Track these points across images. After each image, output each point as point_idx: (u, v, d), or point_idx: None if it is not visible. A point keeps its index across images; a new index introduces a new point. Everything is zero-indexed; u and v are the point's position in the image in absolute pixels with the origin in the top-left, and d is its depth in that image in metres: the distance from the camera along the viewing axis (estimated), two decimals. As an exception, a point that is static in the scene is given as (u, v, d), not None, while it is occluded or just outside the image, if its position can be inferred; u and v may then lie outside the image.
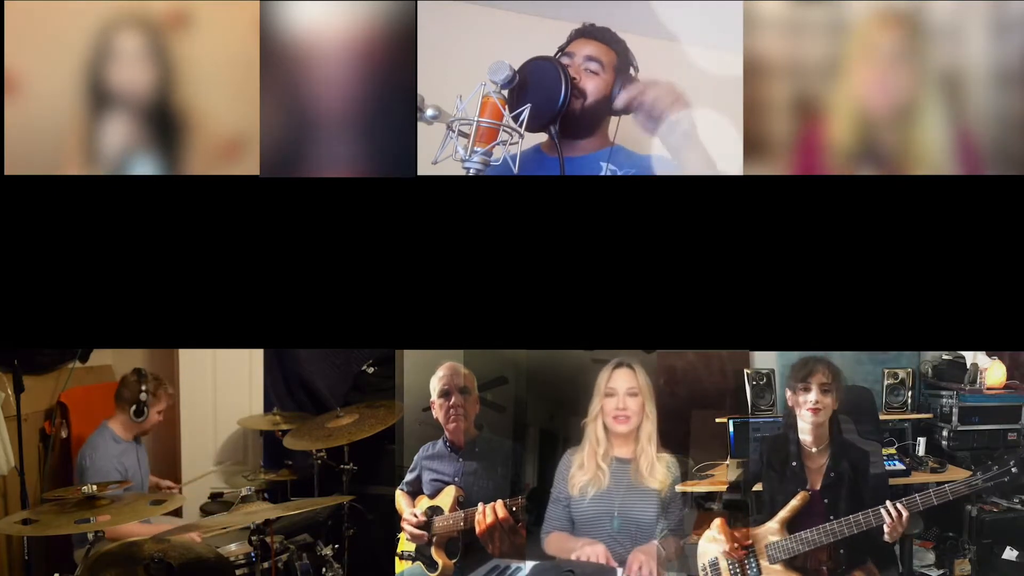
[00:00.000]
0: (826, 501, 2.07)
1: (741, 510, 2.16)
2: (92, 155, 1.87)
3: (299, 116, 1.87)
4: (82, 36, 1.85)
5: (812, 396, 2.09)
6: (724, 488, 2.21)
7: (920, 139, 1.84)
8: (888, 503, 2.00)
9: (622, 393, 2.20)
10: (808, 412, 2.09)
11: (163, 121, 1.87)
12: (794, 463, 2.11)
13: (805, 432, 2.11)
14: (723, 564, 2.10)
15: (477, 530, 2.17)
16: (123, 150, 1.87)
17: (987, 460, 2.10)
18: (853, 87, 1.84)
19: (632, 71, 1.88)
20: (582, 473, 2.20)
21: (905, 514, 1.99)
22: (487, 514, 2.16)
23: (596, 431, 2.20)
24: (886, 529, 1.99)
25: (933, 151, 1.84)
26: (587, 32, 1.89)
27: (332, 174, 1.87)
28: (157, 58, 1.85)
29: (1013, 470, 2.03)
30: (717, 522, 2.11)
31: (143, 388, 2.88)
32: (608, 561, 2.13)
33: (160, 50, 1.85)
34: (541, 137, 1.87)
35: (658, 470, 2.17)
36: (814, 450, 2.10)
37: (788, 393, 2.14)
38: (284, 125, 1.87)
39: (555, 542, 2.21)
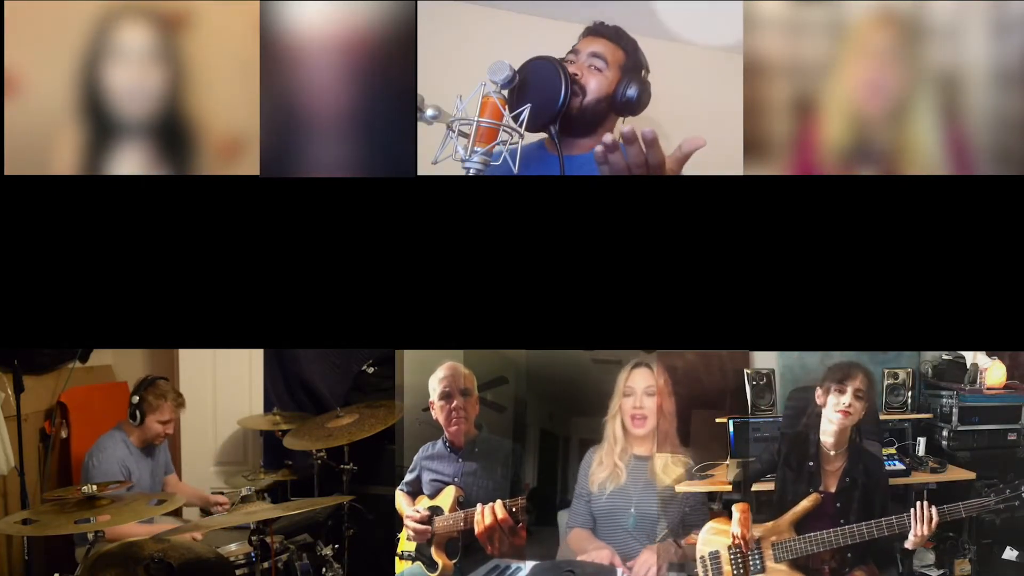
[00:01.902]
0: (838, 505, 2.07)
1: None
2: (92, 154, 1.87)
3: (299, 116, 1.87)
4: (82, 35, 1.85)
5: (846, 399, 2.08)
6: (723, 488, 2.21)
7: (915, 138, 1.84)
8: (920, 503, 2.01)
9: (640, 392, 2.21)
10: (838, 414, 2.08)
11: (163, 121, 1.87)
12: (811, 463, 2.11)
13: (828, 434, 2.11)
14: (724, 558, 2.10)
15: (476, 530, 2.18)
16: (123, 149, 1.87)
17: (999, 483, 2.11)
18: (849, 86, 1.84)
19: (643, 72, 1.87)
20: (601, 469, 2.22)
21: (936, 518, 2.00)
22: (486, 515, 2.17)
23: (614, 429, 2.22)
24: (913, 536, 2.00)
25: (928, 150, 1.84)
26: (597, 30, 1.88)
27: (332, 174, 1.87)
28: (157, 57, 1.85)
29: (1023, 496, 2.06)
30: (738, 509, 2.10)
31: (137, 394, 2.87)
32: (612, 562, 2.14)
33: (161, 49, 1.85)
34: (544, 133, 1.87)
35: (675, 470, 2.18)
36: (832, 452, 2.10)
37: (818, 391, 2.13)
38: (284, 125, 1.87)
39: (575, 539, 2.23)
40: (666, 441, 2.21)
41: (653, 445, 2.21)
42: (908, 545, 2.02)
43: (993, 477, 2.24)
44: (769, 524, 2.10)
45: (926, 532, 2.01)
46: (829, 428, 2.11)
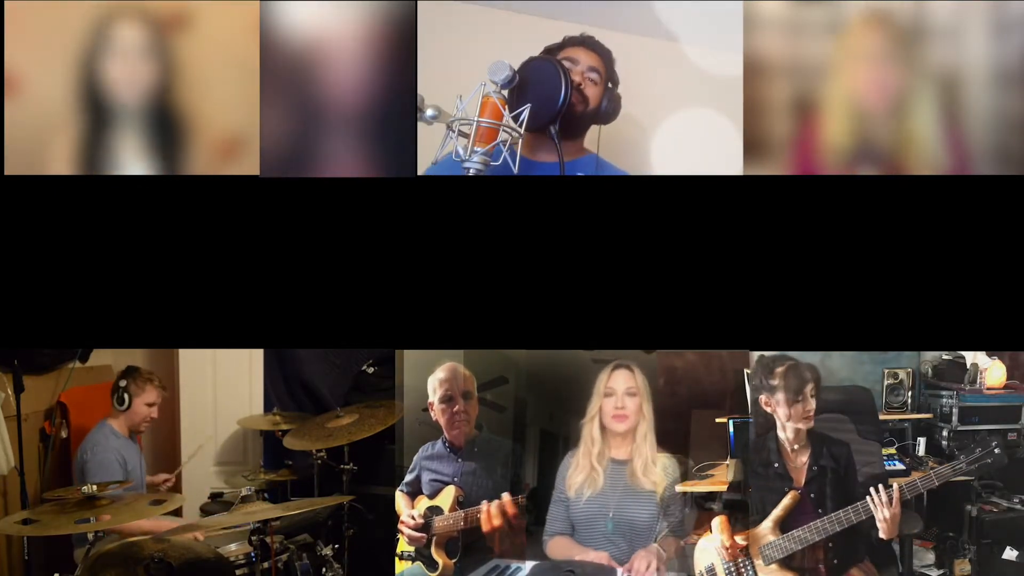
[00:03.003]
0: (812, 496, 2.07)
1: (741, 510, 2.16)
2: (91, 154, 1.87)
3: (299, 116, 1.87)
4: (81, 35, 1.85)
5: (812, 405, 2.08)
6: (724, 488, 2.20)
7: (915, 138, 1.84)
8: (872, 491, 1.99)
9: (620, 392, 2.20)
10: (804, 419, 2.08)
11: (163, 121, 1.87)
12: (776, 464, 2.11)
13: (789, 431, 2.11)
14: (719, 570, 2.10)
15: (484, 528, 2.17)
16: (123, 149, 1.87)
17: (972, 444, 2.10)
18: (846, 86, 1.85)
19: (611, 84, 1.92)
20: (577, 473, 2.20)
21: (895, 497, 1.98)
22: (494, 513, 2.17)
23: (592, 432, 2.21)
24: (879, 523, 1.99)
25: (927, 150, 1.84)
26: (583, 42, 1.92)
27: (332, 174, 1.87)
28: (157, 57, 1.86)
29: (996, 451, 2.03)
30: (718, 520, 2.11)
31: (124, 379, 2.91)
32: (611, 563, 2.13)
33: (160, 49, 1.86)
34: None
35: (654, 471, 2.17)
36: (795, 448, 2.10)
37: (764, 399, 2.13)
38: (284, 125, 1.87)
39: (559, 547, 2.21)
40: (645, 442, 2.20)
41: (631, 447, 2.20)
42: (882, 535, 2.01)
43: (992, 478, 2.24)
44: (756, 528, 2.10)
45: (887, 516, 1.99)
46: (790, 426, 2.10)
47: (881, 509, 1.99)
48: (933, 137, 1.84)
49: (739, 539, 2.09)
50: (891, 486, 2.01)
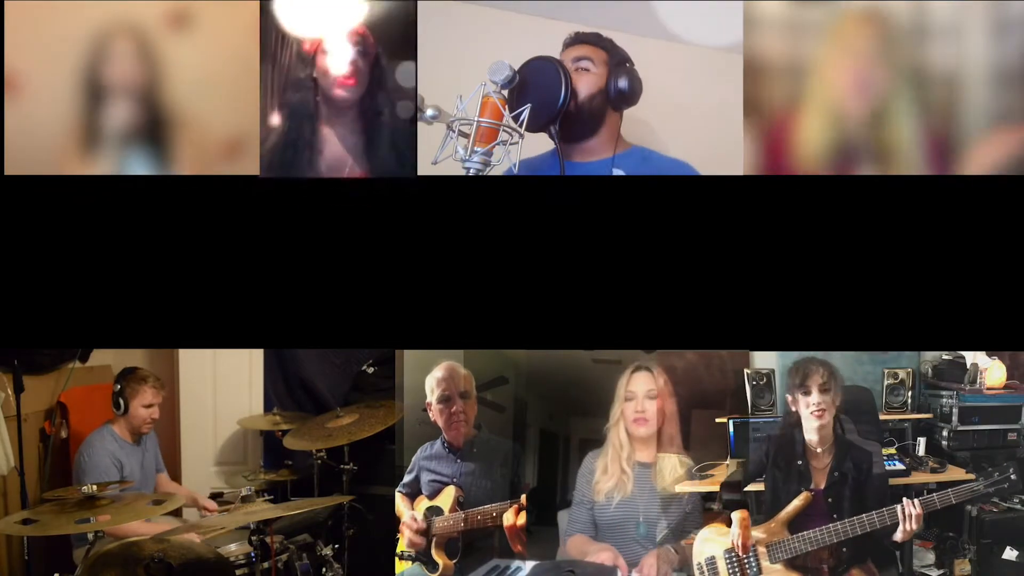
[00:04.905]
0: (829, 500, 2.07)
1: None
2: (91, 153, 1.87)
3: (299, 116, 1.87)
4: (81, 36, 1.85)
5: (814, 398, 2.09)
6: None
7: (913, 137, 1.85)
8: (905, 500, 2.01)
9: (641, 396, 2.20)
10: (813, 416, 2.09)
11: (162, 121, 1.87)
12: (799, 462, 2.11)
13: (811, 432, 2.11)
14: (721, 563, 2.10)
15: (505, 524, 2.19)
16: (122, 146, 1.87)
17: (988, 466, 2.12)
18: (844, 85, 1.85)
19: (628, 64, 1.89)
20: (607, 478, 2.20)
21: (919, 511, 2.00)
22: (510, 516, 2.18)
23: (619, 435, 2.21)
24: (901, 528, 2.00)
25: (925, 149, 1.85)
26: (575, 39, 1.91)
27: (332, 174, 1.88)
28: (156, 58, 1.86)
29: (1012, 477, 2.06)
30: (738, 514, 2.10)
31: (119, 382, 2.91)
32: (616, 562, 2.13)
33: (159, 51, 1.86)
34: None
35: (680, 473, 2.18)
36: (819, 450, 2.11)
37: (788, 398, 2.14)
38: (284, 125, 1.87)
39: (576, 545, 2.22)
40: (671, 444, 2.20)
41: (656, 449, 2.20)
42: (896, 538, 2.03)
43: (1006, 500, 2.25)
44: (763, 525, 2.10)
45: (914, 527, 2.01)
46: (811, 427, 2.11)
47: (908, 521, 2.00)
48: (912, 136, 1.84)
49: (754, 533, 2.09)
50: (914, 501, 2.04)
